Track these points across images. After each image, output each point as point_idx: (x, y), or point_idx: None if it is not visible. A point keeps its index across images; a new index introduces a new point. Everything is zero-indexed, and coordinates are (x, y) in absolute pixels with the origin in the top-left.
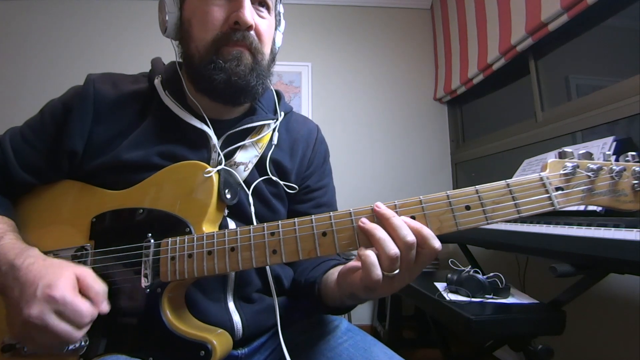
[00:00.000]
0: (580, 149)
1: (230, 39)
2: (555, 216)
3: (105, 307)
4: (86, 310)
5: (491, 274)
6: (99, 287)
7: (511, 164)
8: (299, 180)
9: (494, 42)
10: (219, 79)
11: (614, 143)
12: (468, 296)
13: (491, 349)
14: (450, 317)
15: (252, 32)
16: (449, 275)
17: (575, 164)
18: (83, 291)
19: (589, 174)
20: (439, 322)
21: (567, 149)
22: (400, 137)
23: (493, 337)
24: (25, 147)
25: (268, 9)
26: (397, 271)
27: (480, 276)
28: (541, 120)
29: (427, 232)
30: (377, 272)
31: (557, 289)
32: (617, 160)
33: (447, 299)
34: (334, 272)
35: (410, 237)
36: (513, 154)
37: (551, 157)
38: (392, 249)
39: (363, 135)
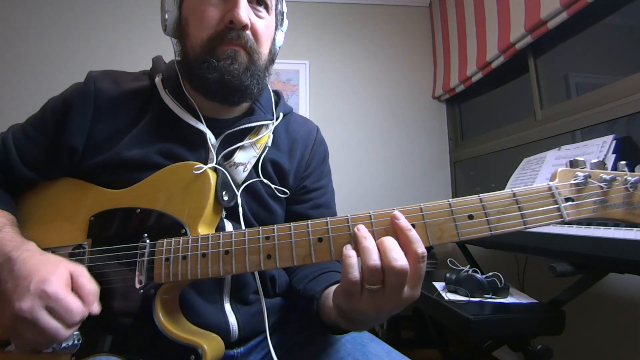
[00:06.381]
0: (580, 147)
1: (225, 37)
2: None
3: (95, 308)
4: (77, 308)
5: (490, 274)
6: (91, 287)
7: (510, 163)
8: (297, 180)
9: (493, 40)
10: (212, 78)
11: (614, 142)
12: (467, 296)
13: (490, 348)
14: (449, 317)
15: (248, 32)
16: (448, 275)
17: (587, 173)
18: (75, 289)
19: (602, 184)
20: (438, 322)
21: (579, 158)
22: (399, 135)
23: (492, 337)
24: (27, 144)
25: (267, 8)
26: (377, 286)
27: (479, 276)
28: (540, 119)
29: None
30: (355, 273)
31: (557, 289)
32: (628, 167)
33: (446, 298)
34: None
35: (399, 263)
36: (512, 152)
37: (551, 156)
38: (374, 260)
39: (361, 134)
